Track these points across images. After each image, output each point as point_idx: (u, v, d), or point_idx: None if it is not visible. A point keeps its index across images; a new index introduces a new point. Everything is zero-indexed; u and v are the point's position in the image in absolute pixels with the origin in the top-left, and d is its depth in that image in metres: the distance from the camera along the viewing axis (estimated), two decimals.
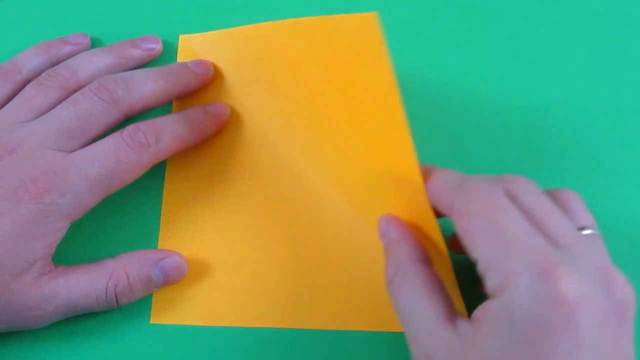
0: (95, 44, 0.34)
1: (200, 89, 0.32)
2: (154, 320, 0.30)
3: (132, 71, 0.30)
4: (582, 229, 0.24)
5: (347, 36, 0.23)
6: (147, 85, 0.29)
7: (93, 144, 0.28)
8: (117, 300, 0.28)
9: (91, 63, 0.31)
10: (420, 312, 0.23)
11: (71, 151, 0.27)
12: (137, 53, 0.32)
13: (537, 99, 0.33)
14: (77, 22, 0.34)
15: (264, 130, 0.32)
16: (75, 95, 0.28)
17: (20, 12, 0.35)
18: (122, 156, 0.27)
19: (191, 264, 0.30)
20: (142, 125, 0.28)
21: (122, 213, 0.31)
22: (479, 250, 0.22)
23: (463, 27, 0.34)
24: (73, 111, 0.28)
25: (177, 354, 0.30)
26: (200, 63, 0.32)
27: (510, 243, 0.21)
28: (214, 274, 0.30)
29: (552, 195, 0.24)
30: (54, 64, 0.32)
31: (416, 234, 0.26)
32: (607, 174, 0.32)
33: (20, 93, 0.29)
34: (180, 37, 0.34)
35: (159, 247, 0.31)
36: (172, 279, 0.29)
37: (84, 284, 0.28)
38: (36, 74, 0.31)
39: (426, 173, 0.25)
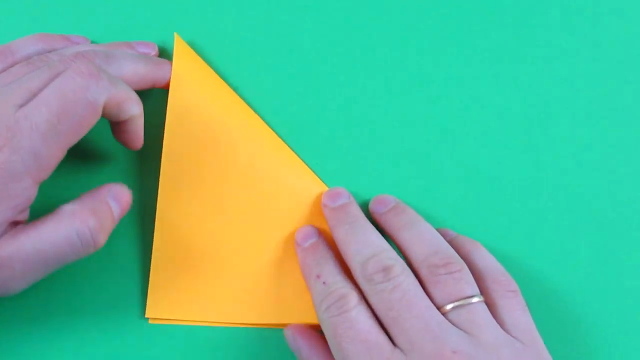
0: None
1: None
2: (149, 315, 0.30)
3: (115, 49, 0.30)
4: (446, 304, 0.26)
5: None
6: (126, 64, 0.29)
7: (40, 92, 0.25)
8: (93, 240, 0.26)
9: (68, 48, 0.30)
10: None
11: None
12: (130, 53, 0.31)
13: (537, 98, 0.33)
14: (74, 20, 0.34)
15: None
16: (52, 60, 0.27)
17: (15, 8, 0.34)
18: (67, 94, 0.25)
19: (187, 261, 0.30)
20: (89, 52, 0.27)
21: None
22: (382, 323, 0.27)
23: (463, 27, 0.34)
24: (47, 73, 0.26)
25: (175, 354, 0.30)
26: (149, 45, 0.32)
27: None
28: (210, 271, 0.30)
29: (424, 271, 0.27)
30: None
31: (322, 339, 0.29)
32: (607, 173, 0.33)
33: (8, 69, 0.28)
34: (176, 35, 0.33)
35: (153, 249, 0.30)
36: (124, 205, 0.28)
37: (49, 233, 0.25)
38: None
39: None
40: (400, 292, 0.26)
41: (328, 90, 0.33)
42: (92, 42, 0.33)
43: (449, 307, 0.26)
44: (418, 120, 0.33)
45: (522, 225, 0.32)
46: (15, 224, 0.26)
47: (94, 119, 0.26)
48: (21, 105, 0.25)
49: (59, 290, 0.30)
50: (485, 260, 0.29)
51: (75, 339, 0.30)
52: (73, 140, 0.26)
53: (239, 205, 0.31)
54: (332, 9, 0.34)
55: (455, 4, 0.35)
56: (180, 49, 0.33)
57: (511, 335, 0.26)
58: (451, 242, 0.29)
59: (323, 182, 0.32)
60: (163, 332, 0.30)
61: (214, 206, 0.31)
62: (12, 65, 0.29)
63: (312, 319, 0.30)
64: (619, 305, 0.31)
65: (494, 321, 0.26)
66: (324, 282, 0.28)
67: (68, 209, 0.26)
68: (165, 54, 0.33)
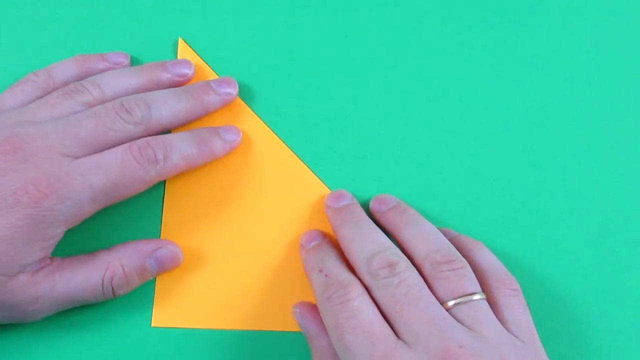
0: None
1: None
2: (155, 323, 0.30)
3: (155, 92, 0.30)
4: (449, 300, 0.26)
5: None
6: (167, 108, 0.29)
7: (100, 153, 0.27)
8: (113, 292, 0.28)
9: (119, 83, 0.30)
10: None
11: (79, 157, 0.27)
12: (165, 77, 0.31)
13: (537, 98, 0.34)
14: (78, 25, 0.34)
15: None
16: (96, 107, 0.28)
17: (17, 9, 0.34)
18: (128, 170, 0.27)
19: (192, 267, 0.30)
20: (152, 141, 0.28)
21: (123, 215, 0.31)
22: (387, 316, 0.26)
23: (463, 27, 0.35)
24: (92, 122, 0.27)
25: (178, 356, 0.29)
26: (225, 81, 0.32)
27: (352, 358, 0.25)
28: (215, 277, 0.30)
29: (428, 268, 0.27)
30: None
31: None
32: (607, 173, 0.33)
33: (45, 97, 0.29)
34: (180, 40, 0.33)
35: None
36: (167, 267, 0.30)
37: (80, 277, 0.27)
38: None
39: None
40: (405, 287, 0.26)
41: (329, 92, 0.33)
42: (95, 39, 0.33)
43: (451, 303, 0.26)
44: (418, 120, 0.33)
45: (522, 225, 0.32)
46: (49, 258, 0.27)
47: (143, 190, 0.28)
48: (69, 155, 0.26)
49: None
50: (487, 258, 0.29)
51: (78, 340, 0.29)
52: (116, 202, 0.28)
53: (243, 210, 0.31)
54: (333, 12, 0.34)
55: (455, 4, 0.35)
56: (184, 53, 0.33)
57: (512, 334, 0.26)
58: (452, 242, 0.29)
59: (324, 183, 0.32)
60: (164, 335, 0.30)
61: (218, 212, 0.31)
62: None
63: None
64: (619, 305, 0.31)
65: (496, 319, 0.26)
66: (326, 275, 0.27)
67: (104, 258, 0.28)
68: (169, 58, 0.33)
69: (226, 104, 0.32)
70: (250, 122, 0.32)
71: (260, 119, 0.33)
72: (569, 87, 0.34)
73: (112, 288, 0.28)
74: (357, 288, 0.26)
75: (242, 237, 0.31)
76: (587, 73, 0.34)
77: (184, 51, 0.33)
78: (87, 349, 0.29)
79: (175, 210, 0.31)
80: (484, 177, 0.32)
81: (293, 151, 0.32)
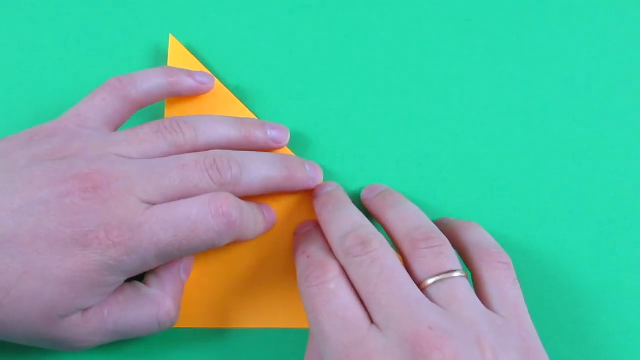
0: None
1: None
2: None
3: (249, 154, 0.29)
4: (426, 279, 0.25)
5: None
6: (259, 173, 0.28)
7: (177, 203, 0.26)
8: (171, 323, 0.28)
9: (216, 132, 0.29)
10: None
11: (155, 205, 0.26)
12: (261, 137, 0.30)
13: (537, 99, 0.33)
14: (70, 21, 0.34)
15: None
16: (187, 159, 0.27)
17: (14, 7, 0.34)
18: (200, 229, 0.25)
19: (196, 268, 0.31)
20: (232, 201, 0.26)
21: None
22: (361, 298, 0.25)
23: (463, 27, 0.34)
24: (179, 175, 0.26)
25: (180, 356, 0.30)
26: (314, 167, 0.31)
27: (326, 345, 0.24)
28: (217, 275, 0.31)
29: (406, 245, 0.26)
30: (171, 93, 0.30)
31: None
32: (607, 173, 0.32)
33: (135, 128, 0.28)
34: (170, 36, 0.33)
35: None
36: (189, 274, 0.30)
37: (132, 317, 0.27)
38: (150, 97, 0.30)
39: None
40: (378, 266, 0.25)
41: (328, 91, 0.33)
42: (89, 36, 0.33)
43: (429, 281, 0.25)
44: (419, 120, 0.33)
45: (522, 225, 0.32)
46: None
47: (205, 250, 0.27)
48: (147, 202, 0.25)
49: None
50: (478, 234, 0.28)
51: None
52: (178, 257, 0.27)
53: None
54: (332, 11, 0.34)
55: (455, 3, 0.34)
56: (175, 50, 0.32)
57: (494, 310, 0.25)
58: (448, 225, 0.29)
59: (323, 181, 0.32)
60: (166, 333, 0.30)
61: None
62: (132, 105, 0.29)
63: None
64: (619, 305, 0.31)
65: (475, 296, 0.25)
66: (308, 256, 0.27)
67: (151, 294, 0.28)
68: (160, 55, 0.33)
69: (308, 188, 0.31)
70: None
71: (256, 116, 0.32)
72: (569, 87, 0.33)
73: (171, 320, 0.28)
74: (335, 269, 0.26)
75: (251, 258, 0.31)
76: (587, 73, 0.34)
77: (175, 48, 0.32)
78: (88, 349, 0.29)
79: None
80: (484, 176, 0.32)
81: (292, 150, 0.32)
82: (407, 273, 0.25)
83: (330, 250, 0.27)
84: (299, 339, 0.30)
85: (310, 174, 0.30)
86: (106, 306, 0.26)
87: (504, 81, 0.33)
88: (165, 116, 0.32)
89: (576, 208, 0.32)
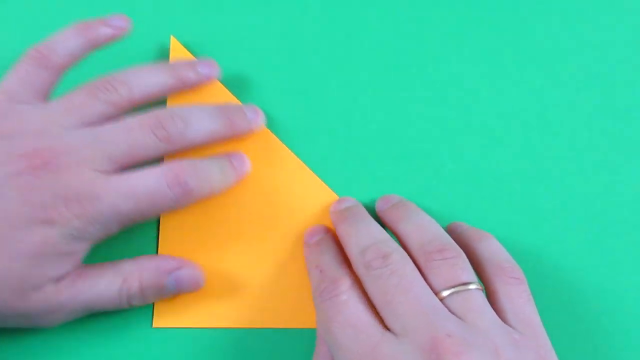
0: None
1: None
2: (157, 324, 0.30)
3: (191, 109, 0.29)
4: (446, 289, 0.25)
5: None
6: (202, 126, 0.29)
7: (132, 175, 0.27)
8: (128, 303, 0.28)
9: (148, 81, 0.29)
10: None
11: (108, 173, 0.26)
12: (192, 76, 0.31)
13: (537, 99, 0.33)
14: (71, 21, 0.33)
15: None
16: (130, 122, 0.27)
17: (13, 7, 0.34)
18: (158, 199, 0.27)
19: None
20: (188, 167, 0.27)
21: None
22: (376, 306, 0.26)
23: (463, 27, 0.34)
24: (125, 140, 0.27)
25: (180, 357, 0.30)
26: (254, 110, 0.31)
27: (341, 353, 0.25)
28: (215, 276, 0.30)
29: (424, 257, 0.26)
30: (93, 47, 0.30)
31: None
32: (607, 173, 0.32)
33: (69, 96, 0.28)
34: (172, 38, 0.33)
35: (158, 251, 0.31)
36: (187, 289, 0.29)
37: (99, 287, 0.27)
38: (73, 58, 0.29)
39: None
40: (397, 277, 0.25)
41: (329, 91, 0.33)
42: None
43: (445, 293, 0.25)
44: (419, 120, 0.33)
45: (522, 225, 0.32)
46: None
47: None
48: (99, 171, 0.26)
49: None
50: (492, 248, 0.28)
51: (79, 341, 0.30)
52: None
53: (243, 210, 0.31)
54: (333, 11, 0.34)
55: (455, 3, 0.34)
56: (176, 51, 0.33)
57: (509, 324, 0.25)
58: (462, 234, 0.29)
59: (325, 182, 0.32)
60: (166, 335, 0.30)
61: (218, 211, 0.31)
62: (59, 71, 0.29)
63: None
64: (619, 305, 0.31)
65: (491, 308, 0.25)
66: (320, 271, 0.27)
67: (125, 268, 0.28)
68: (161, 56, 0.33)
69: (251, 132, 0.31)
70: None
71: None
72: (569, 87, 0.33)
73: (127, 299, 0.28)
74: (347, 282, 0.26)
75: (242, 236, 0.31)
76: (587, 73, 0.34)
77: (176, 49, 0.33)
78: (88, 350, 0.29)
79: (173, 211, 0.30)
80: (485, 177, 0.32)
81: (293, 151, 0.32)
82: (425, 283, 0.25)
83: (342, 260, 0.28)
84: (297, 339, 0.30)
85: (249, 116, 0.31)
86: (79, 278, 0.27)
87: (504, 81, 0.33)
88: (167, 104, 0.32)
89: (576, 208, 0.32)
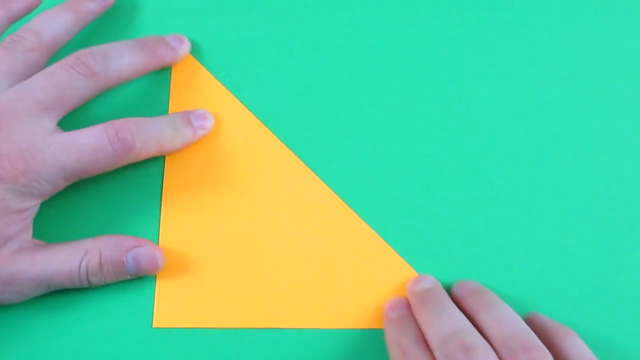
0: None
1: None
2: (157, 324, 0.30)
3: (109, 44, 0.30)
4: None
5: None
6: (124, 59, 0.29)
7: (75, 133, 0.27)
8: (88, 279, 0.28)
9: (53, 22, 0.30)
10: None
11: (48, 125, 0.27)
12: (93, 6, 0.32)
13: (537, 99, 0.33)
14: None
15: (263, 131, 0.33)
16: (52, 67, 0.28)
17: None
18: (100, 154, 0.27)
19: (193, 266, 0.30)
20: (131, 124, 0.28)
21: (122, 215, 0.31)
22: None
23: (463, 27, 0.34)
24: (51, 83, 0.27)
25: (180, 357, 0.30)
26: (178, 38, 0.32)
27: None
28: (216, 276, 0.30)
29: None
30: (10, 19, 0.31)
31: None
32: (607, 173, 0.32)
33: None
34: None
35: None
36: (144, 269, 0.29)
37: (59, 260, 0.28)
38: (62, 39, 0.31)
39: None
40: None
41: (326, 90, 0.33)
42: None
43: None
44: (419, 120, 0.33)
45: (522, 225, 0.31)
46: (32, 240, 0.28)
47: (116, 168, 0.28)
48: (38, 122, 0.27)
49: (61, 291, 0.30)
50: (577, 348, 0.27)
51: (79, 341, 0.30)
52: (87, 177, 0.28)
53: (243, 209, 0.31)
54: (333, 11, 0.34)
55: (455, 3, 0.34)
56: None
57: None
58: (543, 328, 0.28)
59: (325, 182, 0.32)
60: (166, 335, 0.30)
61: (218, 211, 0.31)
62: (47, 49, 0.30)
63: (317, 323, 0.30)
64: (619, 305, 0.31)
65: None
66: (403, 352, 0.27)
67: (86, 244, 0.28)
68: None
69: (180, 60, 0.32)
70: (247, 123, 0.32)
71: (259, 119, 0.33)
72: (569, 87, 0.33)
73: (87, 274, 0.28)
74: None
75: (242, 235, 0.31)
76: (587, 73, 0.33)
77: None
78: (88, 350, 0.29)
79: (174, 209, 0.31)
80: (485, 177, 0.32)
81: (293, 151, 0.32)
82: None
83: (424, 344, 0.27)
84: (297, 339, 0.30)
85: (173, 45, 0.32)
86: (38, 251, 0.27)
87: (504, 81, 0.33)
88: (169, 109, 0.32)
89: (576, 208, 0.32)
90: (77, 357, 0.29)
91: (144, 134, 0.28)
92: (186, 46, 0.32)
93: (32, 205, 0.27)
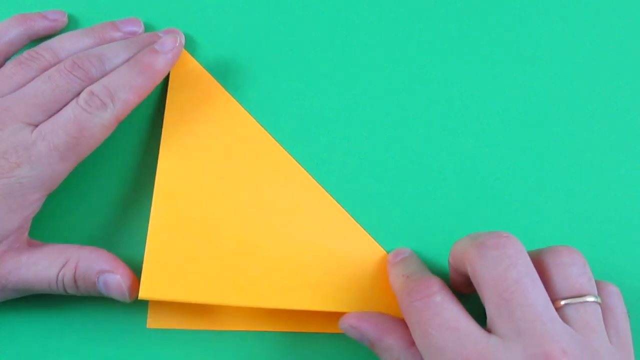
0: (72, 21, 0.34)
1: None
2: (151, 324, 0.30)
3: (104, 46, 0.30)
4: (564, 298, 0.24)
5: None
6: (120, 59, 0.30)
7: (56, 114, 0.28)
8: (65, 289, 0.28)
9: (72, 45, 0.31)
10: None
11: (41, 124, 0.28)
12: (118, 36, 0.32)
13: (536, 99, 0.33)
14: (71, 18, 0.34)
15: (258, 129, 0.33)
16: (50, 71, 0.29)
17: (13, 7, 0.34)
18: (83, 122, 0.27)
19: (187, 268, 0.30)
20: (95, 88, 0.28)
21: (114, 217, 0.31)
22: (486, 301, 0.24)
23: (463, 27, 0.34)
24: (49, 87, 0.28)
25: (173, 358, 0.30)
26: (172, 33, 0.32)
27: (439, 356, 0.23)
28: (210, 278, 0.30)
29: (546, 256, 0.25)
30: (30, 37, 0.32)
31: None
32: (607, 173, 0.32)
33: (1, 70, 0.30)
34: None
35: (147, 251, 0.30)
36: (114, 295, 0.28)
37: (41, 266, 0.28)
38: (12, 46, 0.32)
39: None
40: (516, 272, 0.23)
41: (326, 90, 0.33)
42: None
43: (564, 302, 0.24)
44: (418, 120, 0.33)
45: (522, 225, 0.32)
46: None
47: (108, 134, 0.29)
48: (31, 124, 0.27)
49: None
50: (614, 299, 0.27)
51: (73, 340, 0.30)
52: (86, 154, 0.28)
53: (237, 212, 0.31)
54: (333, 11, 0.34)
55: (455, 3, 0.34)
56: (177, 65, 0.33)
57: (612, 342, 0.24)
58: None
59: (319, 183, 0.32)
60: (160, 336, 0.30)
61: (211, 214, 0.31)
62: None
63: (313, 305, 0.30)
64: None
65: (604, 328, 0.24)
66: (407, 277, 0.27)
67: (68, 253, 0.28)
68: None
69: (174, 56, 0.32)
70: (244, 122, 0.32)
71: (255, 119, 0.33)
72: (569, 87, 0.33)
73: (64, 286, 0.28)
74: (438, 284, 0.25)
75: (236, 238, 0.31)
76: (587, 73, 0.34)
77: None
78: (82, 350, 0.29)
79: (165, 211, 0.30)
80: (484, 176, 0.32)
81: (288, 152, 0.32)
82: (544, 288, 0.24)
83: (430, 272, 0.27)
84: (290, 342, 0.30)
85: (162, 35, 0.32)
86: (25, 252, 0.28)
87: (504, 81, 0.33)
88: (165, 118, 0.32)
89: (576, 208, 0.32)
90: (71, 357, 0.29)
91: (111, 89, 0.28)
92: (180, 41, 0.32)
93: (35, 199, 0.27)
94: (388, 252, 0.31)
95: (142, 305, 0.30)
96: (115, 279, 0.28)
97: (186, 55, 0.33)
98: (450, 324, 0.23)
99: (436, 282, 0.25)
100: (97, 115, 0.28)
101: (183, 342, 0.30)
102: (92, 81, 0.29)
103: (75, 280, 0.28)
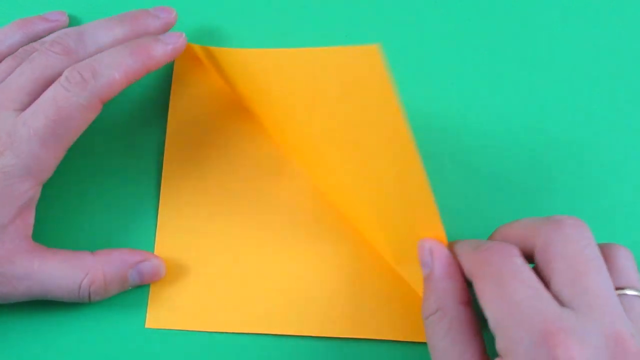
0: (72, 21, 0.34)
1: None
2: (149, 324, 0.30)
3: (87, 23, 0.30)
4: (621, 288, 0.24)
5: (350, 69, 0.23)
6: (100, 34, 0.29)
7: (39, 98, 0.27)
8: (89, 298, 0.28)
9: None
10: (454, 354, 0.24)
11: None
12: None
13: (536, 98, 0.33)
14: (72, 16, 0.35)
15: (266, 133, 0.32)
16: (32, 55, 0.28)
17: (11, 7, 0.35)
18: (60, 101, 0.26)
19: (187, 269, 0.31)
20: (78, 64, 0.27)
21: (119, 217, 0.32)
22: (487, 313, 0.23)
23: (463, 27, 0.34)
24: (29, 68, 0.28)
25: (171, 358, 0.30)
26: (164, 9, 0.32)
27: (514, 308, 0.22)
28: (210, 278, 0.31)
29: (600, 249, 0.25)
30: (31, 39, 0.32)
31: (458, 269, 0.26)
32: (607, 173, 0.32)
33: None
34: None
35: (155, 251, 0.31)
36: (147, 280, 0.30)
37: (59, 274, 0.27)
38: (13, 50, 0.31)
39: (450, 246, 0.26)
40: (592, 252, 0.23)
41: None
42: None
43: (621, 292, 0.24)
44: (418, 120, 0.32)
45: None
46: (30, 242, 0.28)
47: (91, 117, 0.27)
48: (17, 110, 0.27)
49: None
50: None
51: (71, 340, 0.30)
52: (72, 139, 0.27)
53: (237, 213, 0.31)
54: (330, 9, 0.34)
55: (455, 3, 0.35)
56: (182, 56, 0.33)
57: None
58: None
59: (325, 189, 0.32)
60: (158, 336, 0.30)
61: (213, 214, 0.31)
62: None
63: (313, 331, 0.30)
64: None
65: None
66: (478, 245, 0.25)
67: (87, 261, 0.28)
68: None
69: (168, 28, 0.31)
70: (248, 123, 0.33)
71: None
72: (569, 87, 0.34)
73: (89, 294, 0.28)
74: (516, 249, 0.24)
75: (237, 239, 0.31)
76: (587, 73, 0.34)
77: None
78: (80, 349, 0.30)
79: (170, 212, 0.31)
80: (484, 176, 0.32)
81: (295, 155, 0.32)
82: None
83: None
84: (288, 345, 0.30)
85: (162, 15, 0.31)
86: (37, 257, 0.27)
87: (504, 81, 0.34)
88: (169, 119, 0.32)
89: (576, 208, 0.32)
90: (70, 357, 0.30)
91: (95, 65, 0.27)
92: (174, 15, 0.32)
93: (27, 188, 0.27)
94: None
95: (141, 305, 0.30)
96: (150, 264, 0.29)
97: (189, 52, 0.33)
98: (530, 284, 0.23)
99: (515, 248, 0.24)
100: (75, 94, 0.26)
101: (182, 342, 0.30)
102: (72, 54, 0.28)
103: (106, 286, 0.28)
